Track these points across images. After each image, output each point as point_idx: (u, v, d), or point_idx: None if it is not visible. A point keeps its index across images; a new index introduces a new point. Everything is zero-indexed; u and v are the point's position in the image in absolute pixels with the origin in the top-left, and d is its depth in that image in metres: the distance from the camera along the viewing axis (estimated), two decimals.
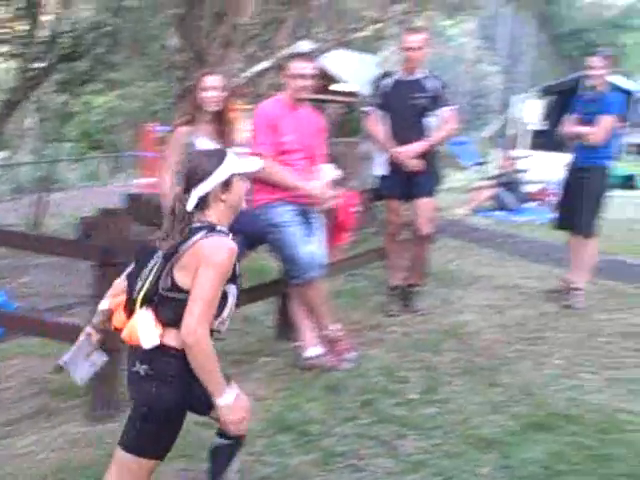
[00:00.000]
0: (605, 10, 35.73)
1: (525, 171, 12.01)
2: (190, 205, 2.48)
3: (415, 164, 5.25)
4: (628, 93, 22.65)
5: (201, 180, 2.48)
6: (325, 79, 15.90)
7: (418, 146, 5.24)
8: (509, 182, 11.07)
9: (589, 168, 5.62)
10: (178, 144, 4.21)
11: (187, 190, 2.49)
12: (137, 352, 2.45)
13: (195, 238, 2.41)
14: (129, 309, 2.50)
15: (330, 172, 4.58)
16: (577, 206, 5.64)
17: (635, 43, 33.16)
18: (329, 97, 16.80)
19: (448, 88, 5.43)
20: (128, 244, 3.64)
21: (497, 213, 10.78)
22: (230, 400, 2.43)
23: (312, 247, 4.30)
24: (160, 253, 2.46)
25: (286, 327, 4.83)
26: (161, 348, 2.41)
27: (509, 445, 3.42)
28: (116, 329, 2.58)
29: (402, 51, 5.38)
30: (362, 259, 6.22)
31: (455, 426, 3.63)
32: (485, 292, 6.21)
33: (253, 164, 2.61)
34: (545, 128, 17.14)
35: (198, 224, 2.48)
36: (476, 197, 11.19)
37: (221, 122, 4.28)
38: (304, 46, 10.68)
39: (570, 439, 3.49)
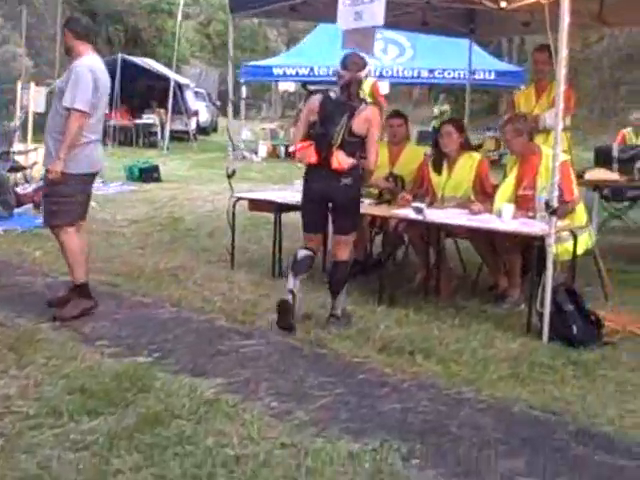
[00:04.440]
0: None
1: (26, 168, 10.09)
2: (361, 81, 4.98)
3: None
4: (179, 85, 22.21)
5: (363, 69, 4.89)
6: None
7: None
8: None
9: None
10: None
11: (358, 72, 4.85)
12: (339, 173, 4.68)
13: (363, 107, 4.80)
14: (323, 150, 4.69)
15: None
16: None
17: (181, 29, 33.44)
18: None
19: None
20: None
21: None
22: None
23: None
24: (344, 116, 4.68)
25: None
26: (352, 168, 4.72)
27: None
28: (309, 162, 4.79)
29: None
30: None
31: None
32: None
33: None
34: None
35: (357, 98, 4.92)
36: None
37: None
38: None
39: None
